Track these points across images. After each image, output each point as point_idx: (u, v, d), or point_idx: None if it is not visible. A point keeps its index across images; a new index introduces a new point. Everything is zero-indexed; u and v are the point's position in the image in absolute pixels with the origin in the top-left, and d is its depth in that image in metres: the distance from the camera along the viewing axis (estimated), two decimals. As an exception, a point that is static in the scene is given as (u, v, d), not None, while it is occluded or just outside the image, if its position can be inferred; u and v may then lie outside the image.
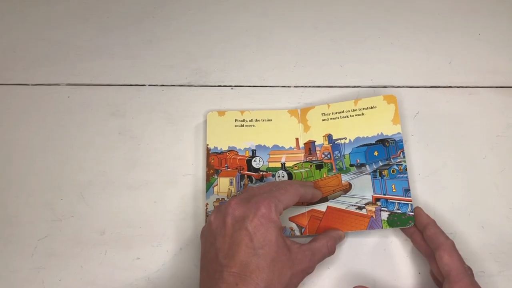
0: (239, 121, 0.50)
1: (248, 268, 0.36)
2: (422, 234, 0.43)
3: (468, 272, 0.39)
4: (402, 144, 0.47)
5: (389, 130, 0.47)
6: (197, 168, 0.49)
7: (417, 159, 0.49)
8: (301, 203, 0.46)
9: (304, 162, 0.48)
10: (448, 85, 0.53)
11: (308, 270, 0.39)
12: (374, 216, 0.44)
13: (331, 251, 0.42)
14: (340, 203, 0.46)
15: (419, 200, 0.47)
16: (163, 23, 0.57)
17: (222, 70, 0.54)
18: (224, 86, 0.54)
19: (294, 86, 0.54)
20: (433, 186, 0.48)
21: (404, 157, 0.46)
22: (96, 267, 0.45)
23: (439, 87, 0.53)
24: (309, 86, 0.54)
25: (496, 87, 0.53)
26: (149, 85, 0.54)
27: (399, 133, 0.47)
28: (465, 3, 0.58)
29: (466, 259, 0.43)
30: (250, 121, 0.50)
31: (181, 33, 0.57)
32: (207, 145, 0.49)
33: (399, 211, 0.44)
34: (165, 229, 0.47)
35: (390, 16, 0.58)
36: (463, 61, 0.55)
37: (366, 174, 0.46)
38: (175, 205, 0.48)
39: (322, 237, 0.42)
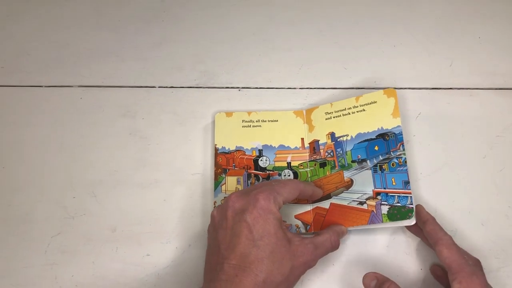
0: (246, 121, 0.51)
1: (247, 259, 0.36)
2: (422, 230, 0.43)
3: (469, 262, 0.39)
4: (402, 137, 0.46)
5: (389, 123, 0.47)
6: (206, 167, 0.50)
7: (419, 159, 0.50)
8: (305, 201, 0.47)
9: (309, 161, 0.49)
10: (449, 87, 0.54)
11: (309, 263, 0.39)
12: (374, 211, 0.44)
13: (334, 246, 0.42)
14: (343, 199, 0.46)
15: (421, 198, 0.48)
16: (172, 27, 0.58)
17: (230, 72, 0.55)
18: (231, 87, 0.54)
19: (300, 88, 0.54)
20: (434, 185, 0.49)
21: (403, 149, 0.46)
22: (107, 263, 0.45)
23: (440, 88, 0.54)
24: (314, 88, 0.54)
25: (496, 88, 0.54)
26: (158, 87, 0.54)
27: (398, 126, 0.46)
28: (466, 7, 0.59)
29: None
30: (257, 121, 0.51)
31: (190, 36, 0.57)
32: (215, 145, 0.50)
33: (399, 204, 0.44)
34: (174, 226, 0.47)
35: (392, 19, 0.58)
36: (464, 63, 0.55)
37: (367, 169, 0.47)
38: (184, 203, 0.48)
39: (325, 232, 0.42)
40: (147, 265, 0.45)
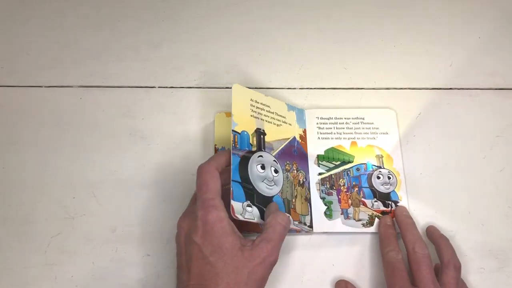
0: None
1: (203, 277, 0.36)
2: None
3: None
4: None
5: None
6: None
7: (419, 159, 0.50)
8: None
9: None
10: (449, 87, 0.54)
11: (269, 259, 0.37)
12: None
13: (287, 226, 0.40)
14: None
15: (421, 198, 0.48)
16: (172, 27, 0.58)
17: (230, 72, 0.55)
18: (231, 88, 0.52)
19: (300, 88, 0.54)
20: (434, 185, 0.49)
21: None
22: (107, 264, 0.45)
23: (440, 89, 0.54)
24: (314, 88, 0.54)
25: (496, 89, 0.54)
26: (158, 87, 0.54)
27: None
28: (465, 8, 0.59)
29: (466, 256, 0.45)
30: None
31: (190, 37, 0.57)
32: (215, 145, 0.49)
33: None
34: (174, 226, 0.44)
35: (392, 20, 0.58)
36: (464, 63, 0.55)
37: None
38: (184, 203, 0.46)
39: (269, 219, 0.40)
40: (147, 266, 0.45)
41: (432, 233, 0.45)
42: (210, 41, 0.57)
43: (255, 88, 0.54)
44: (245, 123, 0.44)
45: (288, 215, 0.41)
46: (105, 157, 0.50)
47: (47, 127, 0.52)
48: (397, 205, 0.47)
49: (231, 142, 0.43)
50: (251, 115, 0.45)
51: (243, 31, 0.58)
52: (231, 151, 0.42)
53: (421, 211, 0.47)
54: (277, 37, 0.57)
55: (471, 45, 0.56)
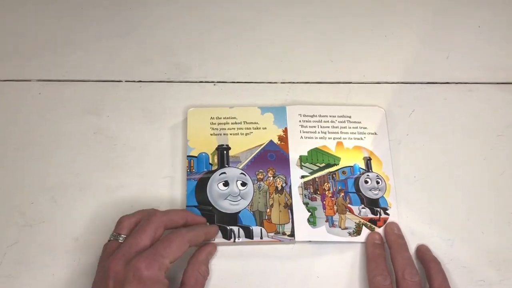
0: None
1: None
2: None
3: None
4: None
5: None
6: (177, 169, 0.48)
7: (412, 161, 0.49)
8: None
9: None
10: (446, 81, 0.53)
11: None
12: None
13: (205, 275, 0.42)
14: None
15: (414, 204, 0.47)
16: (140, 15, 0.57)
17: (204, 65, 0.54)
18: (206, 82, 0.53)
19: (281, 82, 0.53)
20: (429, 189, 0.48)
21: None
22: (69, 276, 0.43)
23: (435, 83, 0.53)
24: (297, 82, 0.53)
25: (497, 83, 0.53)
26: (125, 81, 0.53)
27: None
28: (464, -6, 0.59)
29: (465, 267, 0.44)
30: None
31: (160, 25, 0.57)
32: (188, 144, 0.48)
33: None
34: None
35: (383, 7, 0.58)
36: (462, 55, 0.55)
37: None
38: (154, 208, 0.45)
39: (190, 269, 0.41)
40: (112, 278, 0.44)
41: (423, 254, 0.44)
42: (182, 31, 0.56)
43: (232, 82, 0.53)
44: (203, 144, 0.47)
45: (208, 268, 0.42)
46: (66, 158, 0.49)
47: (2, 125, 0.51)
48: (387, 213, 0.46)
49: (186, 168, 0.46)
50: (212, 134, 0.48)
51: (218, 20, 0.57)
52: (186, 176, 0.46)
53: (414, 218, 0.46)
54: (257, 26, 0.57)
55: (470, 35, 0.56)
